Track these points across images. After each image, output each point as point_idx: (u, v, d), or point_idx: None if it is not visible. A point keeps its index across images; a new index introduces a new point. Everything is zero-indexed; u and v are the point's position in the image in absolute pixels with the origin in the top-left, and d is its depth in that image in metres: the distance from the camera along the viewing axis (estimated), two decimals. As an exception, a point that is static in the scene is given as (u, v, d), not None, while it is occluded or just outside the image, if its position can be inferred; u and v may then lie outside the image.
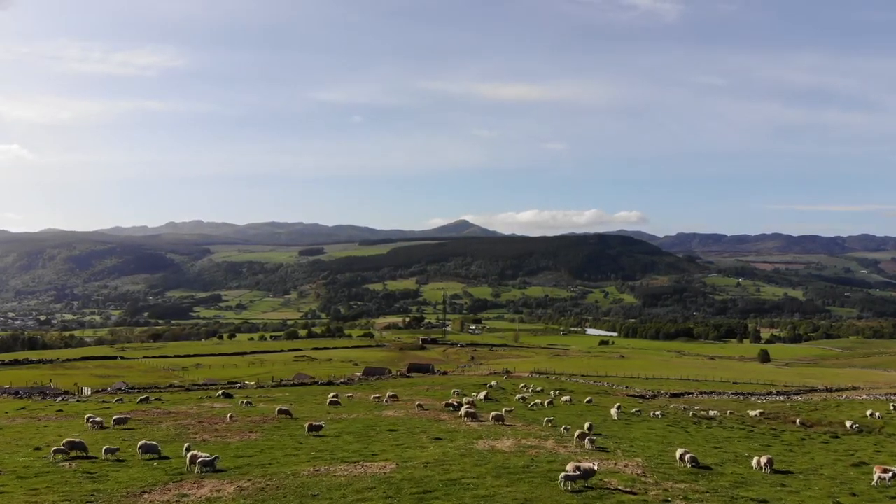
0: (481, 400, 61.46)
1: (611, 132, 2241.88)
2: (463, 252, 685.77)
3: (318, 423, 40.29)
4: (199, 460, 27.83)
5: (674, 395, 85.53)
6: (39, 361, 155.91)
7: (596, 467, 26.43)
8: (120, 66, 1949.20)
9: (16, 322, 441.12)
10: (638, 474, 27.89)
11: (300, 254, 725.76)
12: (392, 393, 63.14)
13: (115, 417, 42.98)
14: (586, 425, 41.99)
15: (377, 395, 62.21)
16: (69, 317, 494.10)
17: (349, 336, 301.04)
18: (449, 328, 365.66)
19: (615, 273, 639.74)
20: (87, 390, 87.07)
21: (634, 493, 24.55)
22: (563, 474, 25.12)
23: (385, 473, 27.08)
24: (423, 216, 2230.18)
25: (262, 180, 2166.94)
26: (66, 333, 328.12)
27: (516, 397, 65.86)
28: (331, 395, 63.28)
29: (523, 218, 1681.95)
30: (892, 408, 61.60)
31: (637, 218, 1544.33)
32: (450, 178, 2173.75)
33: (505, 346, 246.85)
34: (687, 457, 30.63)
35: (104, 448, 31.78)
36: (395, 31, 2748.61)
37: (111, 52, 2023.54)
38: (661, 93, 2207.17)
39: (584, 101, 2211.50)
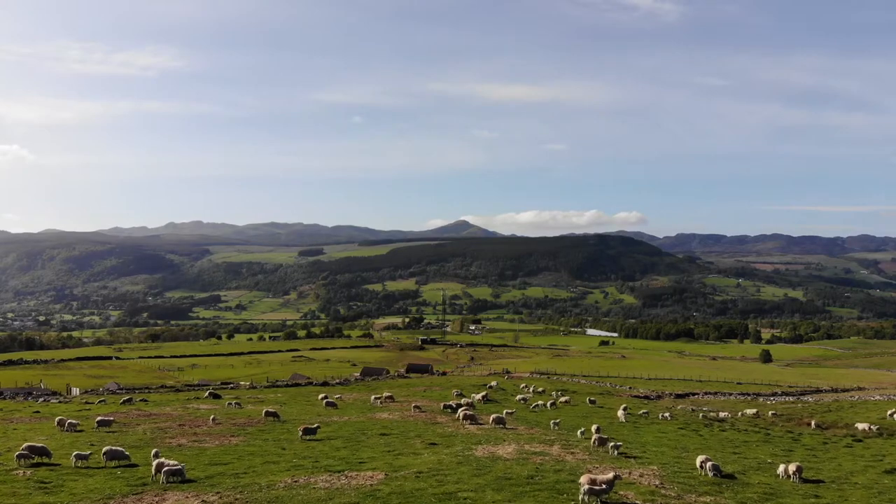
0: (480, 401, 58.98)
1: (611, 133, 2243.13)
2: (463, 253, 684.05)
3: (312, 426, 38.08)
4: (166, 469, 24.93)
5: (679, 396, 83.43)
6: (34, 362, 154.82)
7: (617, 476, 23.68)
8: (120, 67, 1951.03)
9: (15, 322, 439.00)
10: (656, 485, 24.98)
11: (300, 254, 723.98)
12: (388, 394, 60.62)
13: (98, 419, 40.60)
14: (593, 427, 39.40)
15: (377, 396, 59.77)
16: (68, 317, 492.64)
17: (348, 336, 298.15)
18: (448, 329, 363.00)
19: (615, 273, 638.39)
20: (75, 391, 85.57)
21: (656, 509, 21.82)
22: (585, 486, 21.96)
23: (371, 486, 24.19)
24: (423, 217, 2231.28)
25: (262, 181, 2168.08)
26: (65, 334, 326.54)
27: (517, 398, 63.43)
28: (321, 395, 60.92)
29: (523, 219, 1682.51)
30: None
31: (637, 218, 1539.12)
32: (450, 179, 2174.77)
33: (505, 346, 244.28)
34: (708, 465, 27.78)
35: (74, 454, 29.04)
36: (395, 32, 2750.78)
37: (112, 52, 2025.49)
38: (662, 94, 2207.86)
39: (585, 101, 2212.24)
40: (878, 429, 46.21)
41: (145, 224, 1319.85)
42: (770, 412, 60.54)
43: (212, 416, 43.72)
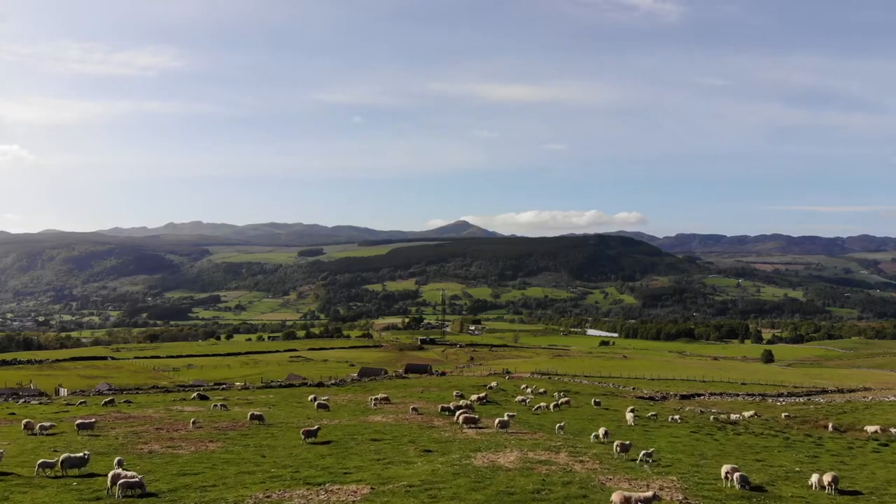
0: (478, 402, 56.06)
1: (611, 133, 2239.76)
2: (462, 253, 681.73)
3: (313, 429, 35.58)
4: (122, 482, 22.14)
5: (684, 397, 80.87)
6: (28, 362, 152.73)
7: (656, 496, 20.63)
8: (120, 67, 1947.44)
9: (14, 323, 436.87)
10: (680, 500, 22.23)
11: (299, 254, 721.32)
12: (383, 395, 57.56)
13: (78, 422, 37.77)
14: (601, 431, 36.70)
15: (375, 398, 56.61)
16: (68, 318, 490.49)
17: (347, 337, 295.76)
18: (448, 329, 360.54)
19: (615, 274, 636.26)
20: (63, 391, 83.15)
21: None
22: None
23: (353, 502, 21.47)
24: (423, 217, 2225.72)
25: (262, 181, 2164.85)
26: (63, 334, 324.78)
27: (517, 399, 60.72)
28: (311, 397, 58.10)
29: (523, 219, 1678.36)
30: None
31: (637, 219, 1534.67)
32: (450, 179, 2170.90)
33: (505, 346, 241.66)
34: (735, 476, 24.86)
35: (38, 462, 26.28)
36: (395, 32, 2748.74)
37: (112, 52, 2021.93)
38: (662, 94, 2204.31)
39: (585, 101, 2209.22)
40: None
41: (145, 224, 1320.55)
42: (783, 414, 58.56)
43: (192, 420, 41.05)
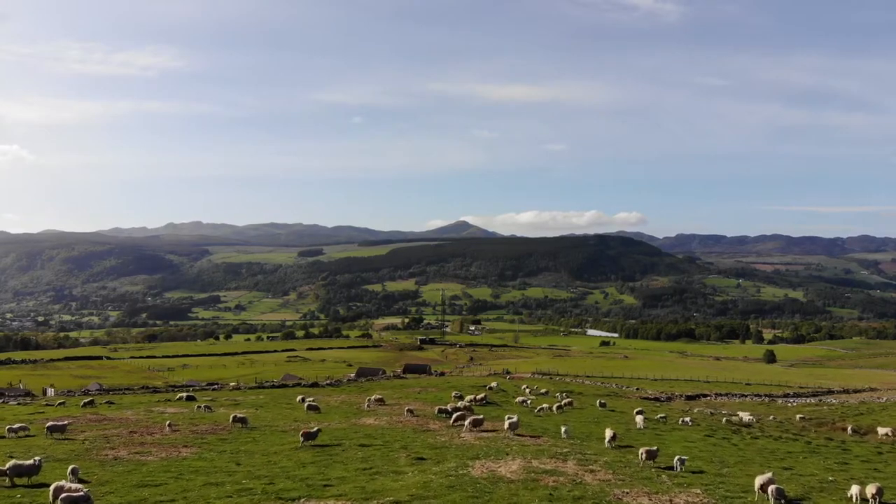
0: (477, 403, 53.59)
1: (611, 133, 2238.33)
2: (462, 253, 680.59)
3: (312, 431, 33.22)
4: (64, 496, 19.45)
5: (689, 398, 79.35)
6: (22, 361, 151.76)
7: None
8: (120, 67, 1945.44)
9: (14, 323, 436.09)
10: (711, 518, 19.47)
11: (299, 255, 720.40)
12: (377, 396, 55.07)
13: (49, 424, 35.44)
14: (608, 434, 34.21)
15: (369, 399, 54.40)
16: (67, 318, 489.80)
17: (347, 337, 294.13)
18: (448, 329, 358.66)
19: (615, 274, 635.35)
20: (51, 391, 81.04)
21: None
22: None
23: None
24: (423, 217, 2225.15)
25: (262, 181, 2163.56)
26: (62, 334, 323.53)
27: (517, 400, 58.23)
28: (300, 397, 55.70)
29: (523, 219, 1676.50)
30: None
31: (637, 219, 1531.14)
32: (449, 180, 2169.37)
33: (505, 346, 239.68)
34: (772, 489, 21.98)
35: None
36: (395, 33, 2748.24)
37: (112, 52, 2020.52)
38: (662, 94, 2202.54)
39: (585, 102, 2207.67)
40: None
41: (145, 224, 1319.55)
42: (798, 416, 56.63)
43: (168, 422, 38.58)
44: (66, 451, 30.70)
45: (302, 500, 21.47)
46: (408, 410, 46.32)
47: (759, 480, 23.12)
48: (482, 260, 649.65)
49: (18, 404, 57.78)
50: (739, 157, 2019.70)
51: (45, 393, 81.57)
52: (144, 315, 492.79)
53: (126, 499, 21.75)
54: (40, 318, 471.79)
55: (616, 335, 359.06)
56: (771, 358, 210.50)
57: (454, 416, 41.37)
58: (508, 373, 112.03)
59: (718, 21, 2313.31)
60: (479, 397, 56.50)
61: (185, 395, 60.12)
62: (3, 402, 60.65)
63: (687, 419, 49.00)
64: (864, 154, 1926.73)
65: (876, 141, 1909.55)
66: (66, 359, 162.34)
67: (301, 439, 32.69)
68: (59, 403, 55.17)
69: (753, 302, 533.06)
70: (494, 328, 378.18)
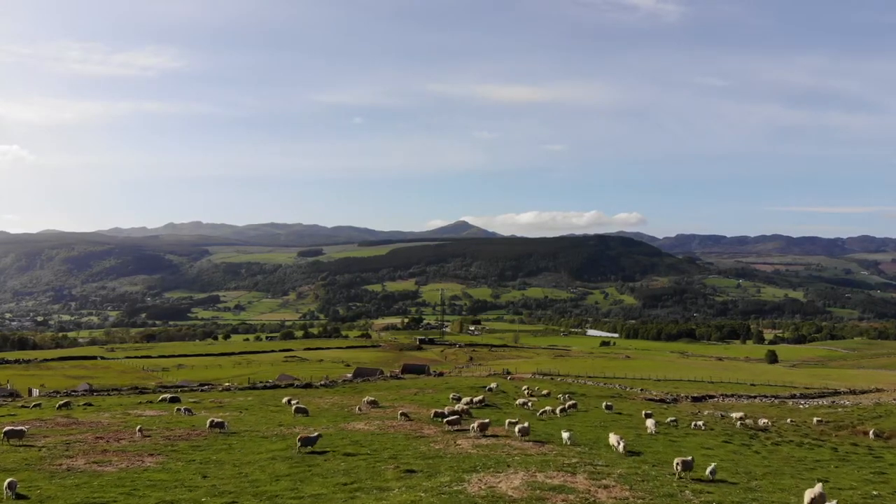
0: (475, 406, 51.91)
1: (611, 133, 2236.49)
2: (462, 253, 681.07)
3: (312, 436, 31.51)
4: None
5: (696, 399, 77.60)
6: (16, 361, 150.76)
7: None
8: (120, 68, 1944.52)
9: (13, 323, 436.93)
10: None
11: (299, 255, 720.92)
12: (371, 398, 52.93)
13: (6, 429, 33.25)
14: (616, 441, 32.44)
15: (365, 400, 52.58)
16: (67, 318, 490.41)
17: (346, 337, 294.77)
18: (448, 329, 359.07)
19: (615, 274, 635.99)
20: (35, 392, 79.83)
21: None
22: None
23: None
24: (423, 217, 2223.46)
25: (262, 182, 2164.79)
26: (60, 334, 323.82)
27: (518, 402, 55.76)
28: (285, 399, 54.08)
29: (523, 219, 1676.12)
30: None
31: (637, 219, 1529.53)
32: (450, 180, 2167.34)
33: (505, 346, 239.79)
34: None
35: None
36: (396, 33, 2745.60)
37: (112, 53, 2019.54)
38: (662, 94, 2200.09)
39: (585, 102, 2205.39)
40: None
41: (145, 224, 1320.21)
42: (815, 419, 55.58)
43: (138, 427, 36.37)
44: (18, 459, 28.40)
45: None
46: (402, 414, 44.25)
47: (809, 496, 21.33)
48: (482, 260, 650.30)
49: (-4, 405, 56.36)
50: (739, 157, 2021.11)
51: (30, 393, 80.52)
52: (144, 315, 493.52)
53: (61, 520, 19.75)
54: (39, 319, 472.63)
55: (616, 335, 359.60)
56: (773, 358, 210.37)
57: (449, 420, 39.31)
58: (508, 373, 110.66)
59: (718, 21, 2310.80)
60: (476, 399, 54.32)
61: (168, 396, 57.55)
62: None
63: (700, 423, 47.20)
64: (865, 154, 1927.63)
65: (876, 141, 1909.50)
66: (61, 359, 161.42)
67: (298, 444, 30.86)
68: (35, 405, 53.36)
69: (753, 302, 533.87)
70: (494, 328, 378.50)
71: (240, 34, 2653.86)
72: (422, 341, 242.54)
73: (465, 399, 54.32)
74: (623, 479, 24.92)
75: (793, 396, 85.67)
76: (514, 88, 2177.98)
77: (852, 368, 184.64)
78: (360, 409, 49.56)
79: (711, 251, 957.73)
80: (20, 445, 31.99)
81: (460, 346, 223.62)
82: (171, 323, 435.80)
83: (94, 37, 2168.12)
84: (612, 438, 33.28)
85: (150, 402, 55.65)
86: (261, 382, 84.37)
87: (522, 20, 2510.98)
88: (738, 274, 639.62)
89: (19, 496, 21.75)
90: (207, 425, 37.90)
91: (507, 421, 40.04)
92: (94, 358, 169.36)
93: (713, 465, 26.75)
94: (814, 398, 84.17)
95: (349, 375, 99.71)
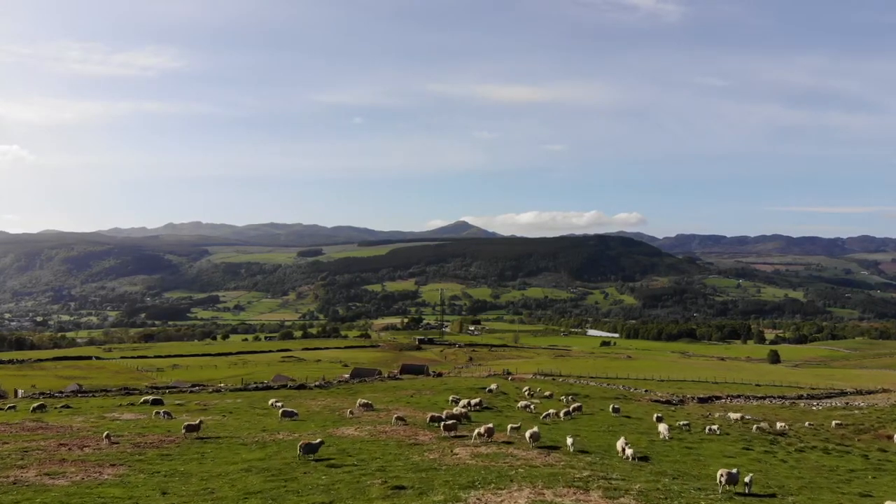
0: (473, 409, 49.87)
1: (611, 133, 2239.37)
2: (462, 253, 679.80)
3: (314, 442, 29.34)
4: None
5: (702, 400, 75.95)
6: (9, 361, 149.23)
7: None
8: (120, 68, 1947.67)
9: (12, 323, 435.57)
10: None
11: (299, 255, 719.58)
12: (365, 400, 50.68)
13: None
14: (626, 448, 30.63)
15: (361, 402, 50.61)
16: (66, 318, 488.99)
17: (345, 337, 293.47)
18: (447, 329, 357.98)
19: (615, 274, 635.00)
20: (20, 392, 78.61)
21: None
22: None
23: None
24: (423, 217, 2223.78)
25: (262, 182, 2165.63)
26: (58, 334, 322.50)
27: (520, 405, 53.41)
28: (271, 401, 52.31)
29: (523, 219, 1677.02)
30: None
31: (637, 219, 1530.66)
32: (450, 180, 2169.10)
33: (505, 346, 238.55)
34: None
35: None
36: (396, 33, 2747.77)
37: (112, 53, 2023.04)
38: (662, 94, 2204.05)
39: (585, 102, 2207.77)
40: None
41: (144, 224, 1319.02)
42: (833, 422, 54.40)
43: (106, 433, 34.17)
44: (-41, 470, 26.10)
45: None
46: (397, 418, 42.17)
47: None
48: (482, 260, 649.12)
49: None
50: (739, 157, 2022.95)
51: (16, 394, 79.21)
52: (143, 315, 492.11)
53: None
54: (39, 319, 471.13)
55: (616, 335, 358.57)
56: (775, 358, 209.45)
57: (446, 424, 37.54)
58: (509, 374, 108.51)
59: (718, 21, 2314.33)
60: (473, 402, 52.08)
61: (150, 398, 55.62)
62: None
63: (714, 426, 45.51)
64: (865, 154, 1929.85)
65: (876, 141, 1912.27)
66: (55, 359, 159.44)
67: (299, 452, 28.62)
68: (9, 407, 51.83)
69: (754, 302, 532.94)
70: (494, 328, 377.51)
71: (240, 34, 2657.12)
72: (421, 341, 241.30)
73: (464, 402, 52.20)
74: (643, 496, 21.91)
75: (801, 397, 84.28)
76: (514, 88, 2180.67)
77: (856, 368, 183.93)
78: (351, 412, 47.39)
79: (711, 251, 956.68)
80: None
81: (460, 347, 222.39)
82: (170, 323, 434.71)
83: (94, 37, 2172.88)
84: (619, 444, 31.75)
85: (132, 404, 53.76)
86: (253, 383, 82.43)
87: (522, 20, 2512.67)
88: (738, 274, 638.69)
89: None
90: (182, 430, 36.11)
91: (508, 426, 37.96)
92: (89, 358, 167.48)
93: (750, 475, 24.78)
94: (823, 399, 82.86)
95: (346, 376, 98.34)
